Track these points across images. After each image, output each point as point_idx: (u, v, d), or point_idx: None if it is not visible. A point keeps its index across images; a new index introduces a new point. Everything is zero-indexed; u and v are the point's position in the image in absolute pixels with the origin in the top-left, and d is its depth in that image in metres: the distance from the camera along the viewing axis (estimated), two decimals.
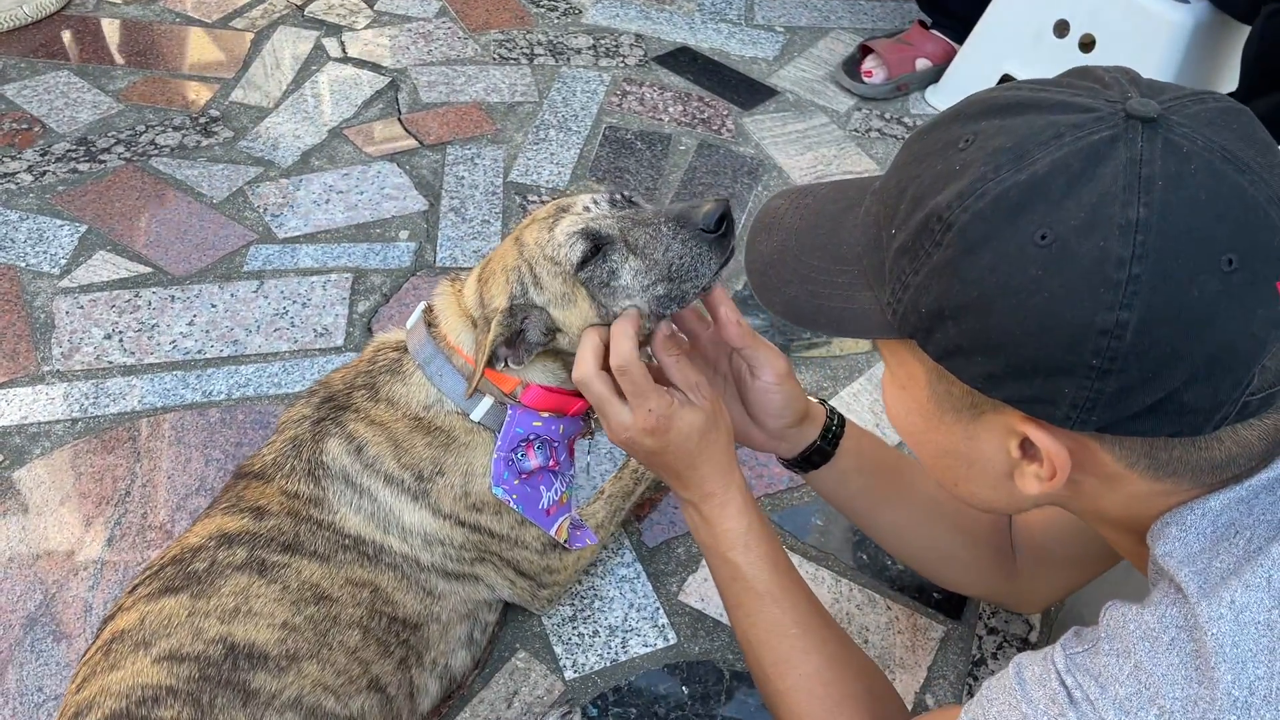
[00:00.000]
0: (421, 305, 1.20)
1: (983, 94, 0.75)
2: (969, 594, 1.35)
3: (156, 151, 2.01)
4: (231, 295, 1.73)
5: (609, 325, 1.05)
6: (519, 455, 1.12)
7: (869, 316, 0.78)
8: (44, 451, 1.49)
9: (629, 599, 1.35)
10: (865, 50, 2.33)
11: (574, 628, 1.31)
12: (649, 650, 1.30)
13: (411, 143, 2.07)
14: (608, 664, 1.28)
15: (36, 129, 2.04)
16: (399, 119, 2.13)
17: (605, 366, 1.03)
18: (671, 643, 1.31)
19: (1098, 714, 0.70)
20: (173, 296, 1.72)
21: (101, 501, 1.42)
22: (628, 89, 2.28)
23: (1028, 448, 0.75)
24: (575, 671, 1.27)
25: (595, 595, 1.35)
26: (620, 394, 1.02)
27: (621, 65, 2.34)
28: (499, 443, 1.11)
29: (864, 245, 0.78)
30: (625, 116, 2.20)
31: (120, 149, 2.00)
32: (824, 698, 1.01)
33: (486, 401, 1.13)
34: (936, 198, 0.69)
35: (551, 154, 2.08)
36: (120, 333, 1.66)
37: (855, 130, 2.22)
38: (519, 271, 1.10)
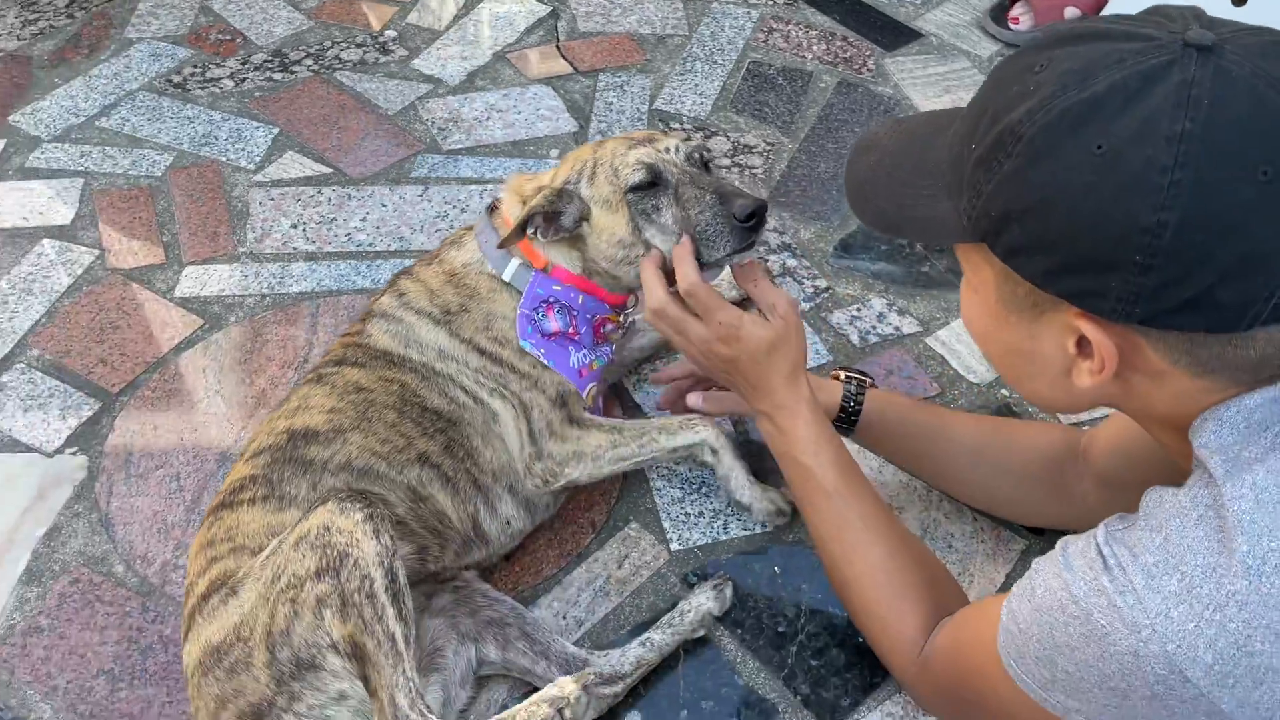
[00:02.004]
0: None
1: (1061, 25, 0.85)
2: (1034, 524, 1.43)
3: (340, 65, 2.22)
4: (400, 197, 1.93)
5: (654, 256, 1.27)
6: (539, 315, 1.31)
7: (947, 223, 0.88)
8: (237, 320, 1.72)
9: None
10: None
11: (681, 508, 1.47)
12: (747, 534, 1.44)
13: (567, 68, 2.23)
14: (709, 541, 1.43)
15: (238, 40, 2.28)
16: (557, 46, 2.29)
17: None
18: (768, 529, 1.45)
19: (1128, 579, 0.81)
20: (349, 195, 1.93)
21: (284, 365, 1.65)
22: (774, 26, 2.37)
23: (1083, 345, 0.84)
24: (680, 544, 1.43)
25: (703, 482, 1.49)
26: (694, 315, 1.20)
27: (770, 3, 2.43)
28: (522, 300, 1.31)
29: (949, 161, 0.88)
30: (769, 52, 2.29)
31: (309, 61, 2.22)
32: (886, 585, 1.14)
33: (514, 263, 1.33)
34: (1011, 114, 0.79)
35: (696, 85, 2.20)
36: (304, 224, 1.88)
37: None
38: (585, 165, 1.31)
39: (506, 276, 1.34)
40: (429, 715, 1.00)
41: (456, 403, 1.32)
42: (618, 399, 1.60)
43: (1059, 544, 0.91)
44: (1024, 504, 1.36)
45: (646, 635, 1.28)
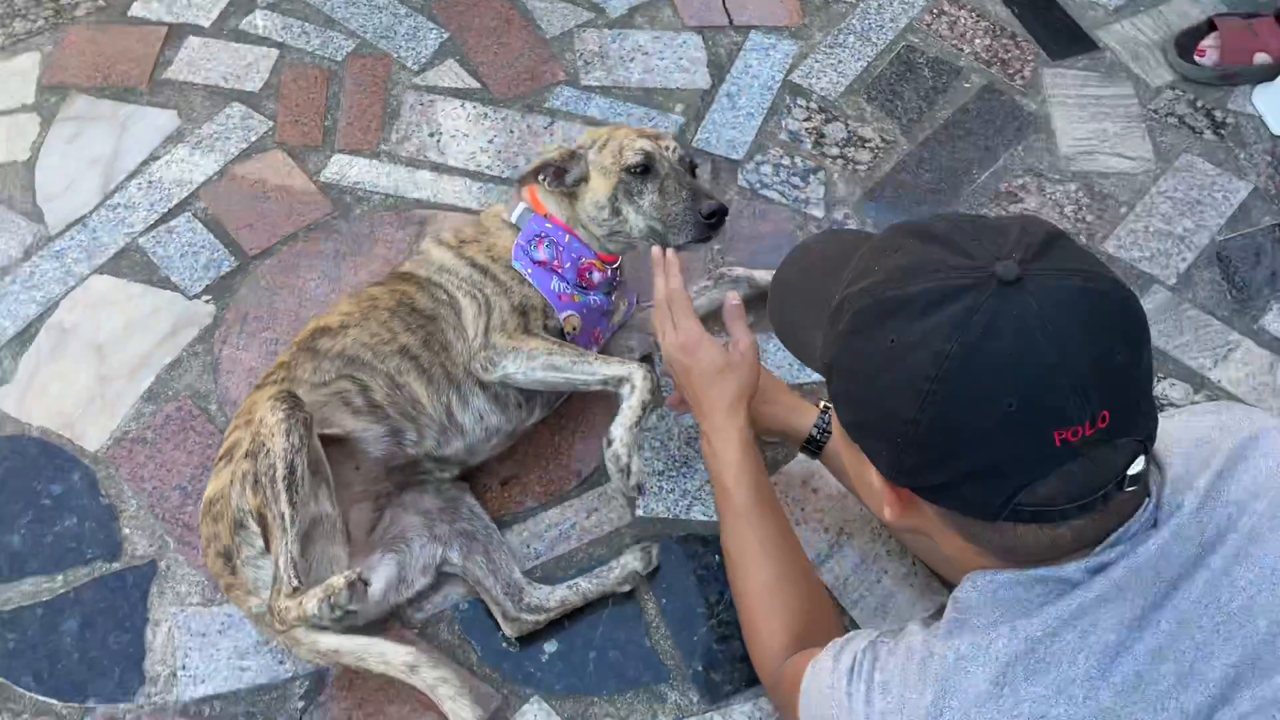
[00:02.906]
0: None
1: (927, 219, 0.96)
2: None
3: None
4: (527, 126, 2.12)
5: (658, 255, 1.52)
6: (532, 246, 1.58)
7: (813, 353, 1.03)
8: (361, 213, 2.00)
9: (706, 475, 1.67)
10: (1212, 26, 2.21)
11: (659, 481, 1.67)
12: (705, 519, 1.63)
13: (723, 19, 2.30)
14: (671, 516, 1.64)
15: None
16: None
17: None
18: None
19: (859, 685, 1.00)
20: (485, 114, 2.14)
21: (385, 264, 1.92)
22: (945, 9, 2.33)
23: None
24: (645, 512, 1.64)
25: (683, 464, 1.68)
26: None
27: None
28: (521, 233, 1.59)
29: (831, 298, 1.01)
30: (928, 38, 2.28)
31: None
32: (766, 603, 1.33)
33: (521, 206, 1.65)
34: (853, 286, 0.93)
35: (839, 61, 2.23)
36: (439, 135, 2.11)
37: (1155, 111, 2.16)
38: (601, 138, 1.62)
39: (513, 217, 1.64)
40: (295, 579, 1.32)
41: (438, 301, 1.59)
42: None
43: (858, 634, 1.09)
44: (940, 565, 1.49)
45: (575, 581, 1.52)
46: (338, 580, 1.28)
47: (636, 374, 1.48)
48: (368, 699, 1.46)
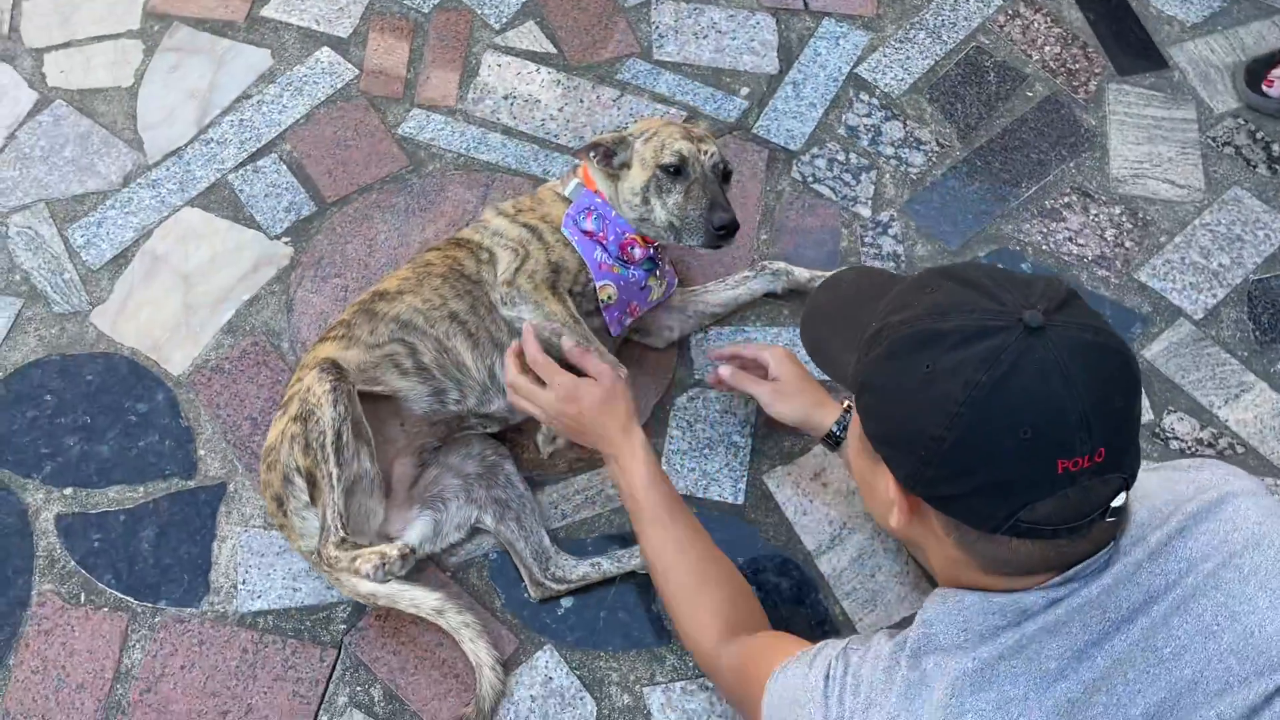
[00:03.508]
0: None
1: (960, 264, 1.10)
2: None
3: None
4: (596, 97, 2.22)
5: (514, 347, 1.65)
6: (581, 216, 1.72)
7: (845, 371, 1.17)
8: (433, 170, 2.13)
9: (727, 459, 1.81)
10: None
11: (682, 459, 1.81)
12: (720, 500, 1.78)
13: (799, 3, 2.35)
14: (687, 494, 1.78)
15: None
16: None
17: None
18: (738, 504, 1.77)
19: (836, 689, 1.14)
20: (558, 81, 2.24)
21: (450, 224, 2.06)
22: (1020, 11, 2.35)
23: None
24: None
25: (706, 446, 1.82)
26: (540, 385, 1.58)
27: None
28: (573, 205, 1.75)
29: (865, 325, 1.14)
30: (998, 41, 2.31)
31: None
32: (691, 599, 1.48)
33: (574, 181, 1.79)
34: (893, 316, 1.06)
35: (907, 57, 2.28)
36: (513, 98, 2.22)
37: (1213, 140, 2.19)
38: (650, 130, 1.75)
39: (567, 191, 1.78)
40: (342, 529, 1.51)
41: (481, 263, 1.74)
42: (678, 348, 1.92)
43: (829, 642, 1.23)
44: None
45: (597, 559, 1.68)
46: (393, 551, 1.47)
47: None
48: (402, 629, 1.65)
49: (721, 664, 1.41)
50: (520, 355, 1.63)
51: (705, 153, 1.71)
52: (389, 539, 1.64)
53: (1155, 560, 1.06)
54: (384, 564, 1.46)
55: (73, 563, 1.71)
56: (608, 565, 1.67)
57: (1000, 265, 1.19)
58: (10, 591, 1.68)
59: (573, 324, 1.65)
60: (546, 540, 1.69)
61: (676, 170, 1.69)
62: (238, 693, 1.60)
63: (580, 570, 1.67)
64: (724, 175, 1.75)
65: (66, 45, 2.28)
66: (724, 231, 1.66)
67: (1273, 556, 1.06)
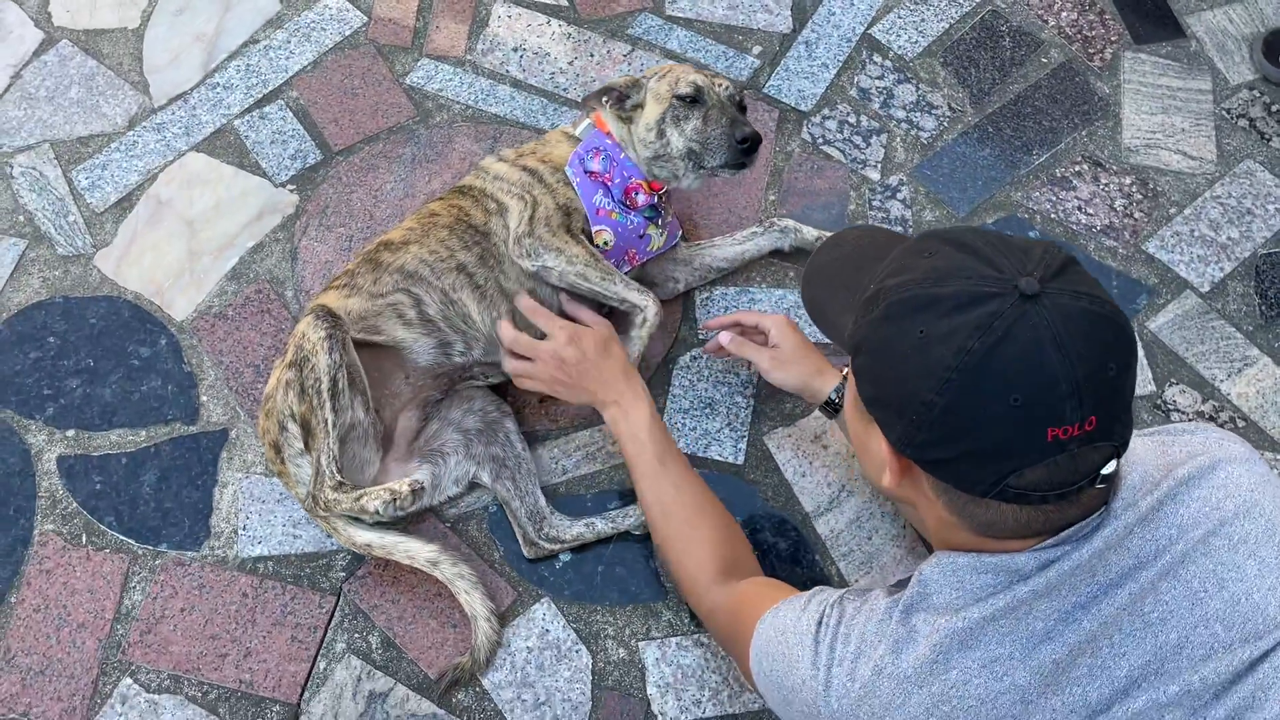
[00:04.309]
0: None
1: (959, 228, 1.11)
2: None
3: None
4: (607, 52, 2.19)
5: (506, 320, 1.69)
6: (588, 156, 1.73)
7: (842, 332, 1.17)
8: (440, 121, 2.11)
9: (728, 418, 1.81)
10: None
11: (683, 418, 1.81)
12: (720, 460, 1.78)
13: None
14: (689, 452, 1.78)
15: None
16: None
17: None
18: (738, 464, 1.78)
19: (828, 636, 1.16)
20: (569, 35, 2.21)
21: (455, 175, 2.04)
22: None
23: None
24: None
25: (707, 405, 1.82)
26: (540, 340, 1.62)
27: None
28: (582, 143, 1.76)
29: (864, 287, 1.14)
30: (1014, 5, 2.28)
31: None
32: (691, 538, 1.51)
33: (587, 122, 1.80)
34: (891, 279, 1.06)
35: (922, 19, 2.25)
36: (523, 50, 2.19)
37: (1227, 111, 2.17)
38: (662, 70, 1.77)
39: (577, 131, 1.79)
40: (338, 473, 1.52)
41: (489, 212, 1.73)
42: (682, 306, 1.92)
43: (825, 589, 1.24)
44: (926, 531, 1.63)
45: (591, 520, 1.68)
46: (403, 487, 1.49)
47: (651, 307, 1.67)
48: (401, 578, 1.66)
49: (717, 602, 1.43)
50: (512, 324, 1.67)
51: (720, 84, 1.73)
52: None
53: (1146, 525, 1.06)
54: (394, 499, 1.48)
55: (74, 504, 1.72)
56: (602, 525, 1.68)
57: (1006, 232, 1.18)
58: (12, 531, 1.69)
59: (595, 263, 1.67)
60: (542, 501, 1.69)
61: (693, 99, 1.69)
62: (237, 636, 1.62)
63: (574, 530, 1.68)
64: (741, 106, 1.75)
65: None
66: (747, 144, 1.66)
67: (1263, 525, 1.07)
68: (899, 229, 2.00)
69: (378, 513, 1.48)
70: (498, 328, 1.67)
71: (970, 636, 1.05)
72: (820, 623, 1.18)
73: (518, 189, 1.73)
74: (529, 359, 1.64)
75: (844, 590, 1.23)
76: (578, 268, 1.65)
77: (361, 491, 1.50)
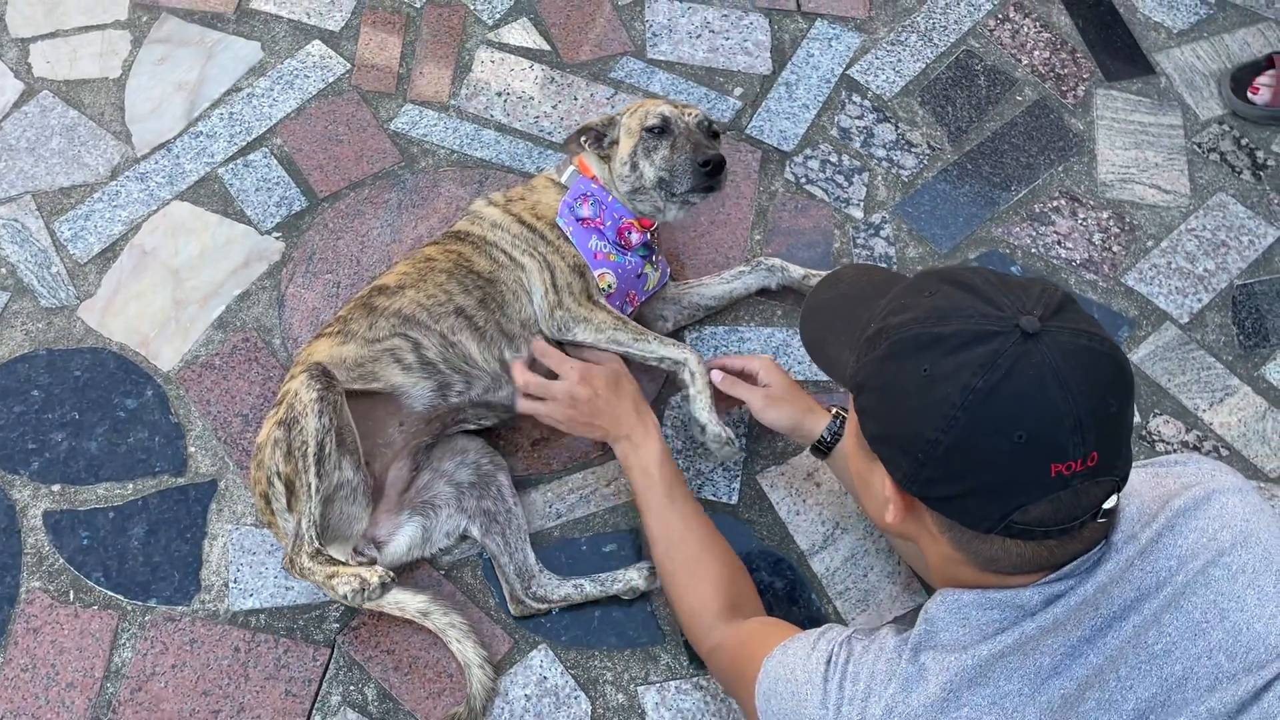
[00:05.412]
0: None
1: (958, 267, 1.13)
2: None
3: None
4: (590, 95, 2.21)
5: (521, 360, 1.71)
6: (577, 204, 1.75)
7: (843, 370, 1.18)
8: (425, 166, 2.12)
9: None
10: (1271, 63, 2.24)
11: (675, 459, 1.81)
12: (714, 499, 1.78)
13: (792, 4, 2.36)
14: None
15: None
16: None
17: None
18: (732, 503, 1.78)
19: (836, 675, 1.16)
20: (552, 79, 2.23)
21: (442, 220, 2.05)
22: (1011, 16, 2.37)
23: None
24: None
25: (700, 445, 1.82)
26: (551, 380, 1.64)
27: None
28: (569, 192, 1.78)
29: (864, 325, 1.15)
30: (988, 45, 2.33)
31: None
32: (696, 575, 1.51)
33: (570, 169, 1.82)
34: (893, 318, 1.07)
35: (899, 60, 2.29)
36: (507, 95, 2.21)
37: (1198, 145, 2.22)
38: (635, 108, 1.80)
39: (563, 179, 1.81)
40: (316, 540, 1.48)
41: (497, 263, 1.74)
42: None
43: (833, 627, 1.24)
44: (923, 569, 1.64)
45: (579, 581, 1.66)
46: (373, 578, 1.43)
47: (691, 359, 1.69)
48: (395, 628, 1.65)
49: (720, 640, 1.43)
50: (525, 367, 1.67)
51: (687, 113, 1.76)
52: (374, 541, 1.63)
53: (1146, 558, 1.08)
54: (364, 589, 1.42)
55: (61, 560, 1.69)
56: (590, 588, 1.66)
57: (992, 269, 1.21)
58: None
59: (623, 325, 1.70)
60: (531, 558, 1.68)
61: (661, 130, 1.73)
62: (230, 692, 1.59)
63: (562, 591, 1.66)
64: (711, 133, 1.79)
65: (53, 35, 2.25)
66: (709, 167, 1.68)
67: (1260, 554, 1.09)
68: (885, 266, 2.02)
69: (345, 598, 1.43)
70: (512, 369, 1.67)
71: (979, 674, 1.06)
72: (829, 662, 1.18)
73: (523, 244, 1.75)
74: (542, 399, 1.64)
75: (851, 629, 1.23)
76: (606, 334, 1.69)
77: (334, 570, 1.45)
